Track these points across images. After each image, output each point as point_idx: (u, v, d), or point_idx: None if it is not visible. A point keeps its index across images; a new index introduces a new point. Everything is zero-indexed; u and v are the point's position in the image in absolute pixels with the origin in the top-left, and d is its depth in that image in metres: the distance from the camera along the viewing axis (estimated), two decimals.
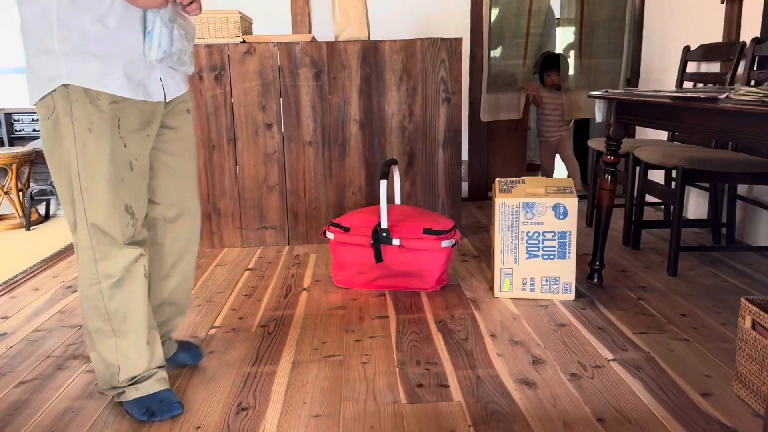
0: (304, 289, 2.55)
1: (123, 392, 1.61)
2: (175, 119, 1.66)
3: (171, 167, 1.67)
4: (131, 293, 1.55)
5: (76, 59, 1.40)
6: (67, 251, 3.18)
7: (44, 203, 4.03)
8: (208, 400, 1.69)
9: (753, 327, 1.59)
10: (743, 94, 1.56)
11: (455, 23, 4.03)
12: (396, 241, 2.44)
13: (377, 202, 3.10)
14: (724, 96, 1.66)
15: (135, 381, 1.61)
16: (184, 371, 1.86)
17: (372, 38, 3.28)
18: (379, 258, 2.45)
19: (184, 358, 1.89)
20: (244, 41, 3.05)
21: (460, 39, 3.10)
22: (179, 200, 1.71)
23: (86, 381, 1.81)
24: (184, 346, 1.91)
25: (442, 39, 3.08)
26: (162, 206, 1.69)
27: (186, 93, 1.68)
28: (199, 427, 1.56)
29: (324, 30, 3.94)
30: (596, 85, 4.09)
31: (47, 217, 4.04)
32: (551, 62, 4.15)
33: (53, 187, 3.64)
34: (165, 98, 1.57)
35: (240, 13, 3.03)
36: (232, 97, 3.06)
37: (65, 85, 1.41)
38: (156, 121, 1.57)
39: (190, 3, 1.54)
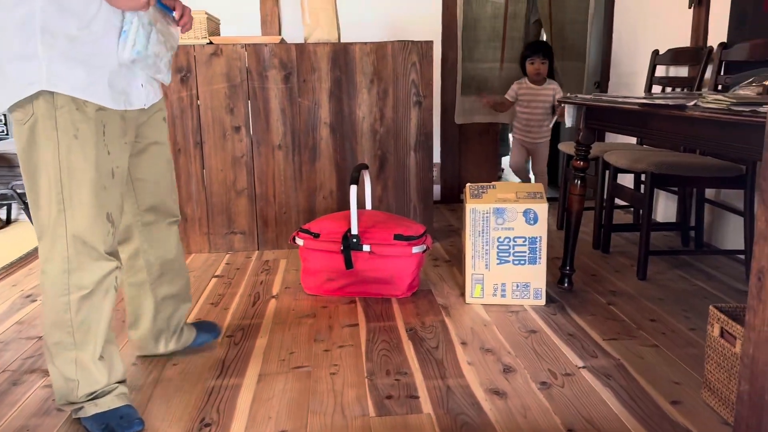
0: (273, 297, 2.50)
1: (81, 408, 1.56)
2: (155, 131, 1.69)
3: (151, 178, 1.72)
4: (99, 307, 1.52)
5: (62, 65, 1.38)
6: (29, 258, 3.08)
7: (5, 207, 3.90)
8: (170, 415, 1.63)
9: (721, 335, 1.59)
10: (711, 102, 1.56)
11: (426, 26, 4.01)
12: (366, 248, 2.40)
13: (348, 207, 3.06)
14: (692, 103, 1.66)
15: (94, 396, 1.55)
16: (146, 384, 1.80)
17: (342, 40, 3.24)
18: (349, 264, 2.41)
19: (206, 339, 2.00)
20: (210, 42, 2.99)
21: (431, 42, 3.08)
22: (160, 205, 1.76)
23: (44, 396, 1.74)
24: (201, 327, 2.01)
25: (412, 42, 3.06)
26: (145, 212, 1.75)
27: (161, 101, 1.70)
28: None
29: (294, 31, 3.88)
30: (565, 89, 4.10)
31: (8, 222, 3.92)
32: (536, 48, 3.67)
33: (14, 191, 3.53)
34: (145, 105, 1.59)
35: (206, 13, 2.97)
36: (198, 99, 3.00)
37: (50, 92, 1.38)
38: (133, 128, 1.58)
39: (182, 17, 1.60)
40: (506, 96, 3.77)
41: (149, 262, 1.80)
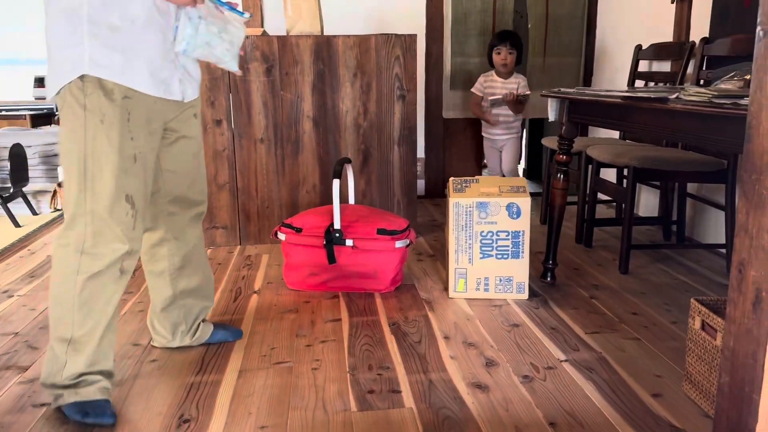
0: (255, 292, 2.48)
1: (61, 395, 1.57)
2: (185, 125, 1.73)
3: (177, 169, 1.75)
4: (105, 290, 1.56)
5: (101, 53, 1.47)
6: (5, 254, 3.03)
7: None
8: (148, 412, 1.61)
9: (702, 328, 1.59)
10: (692, 94, 1.56)
11: (410, 20, 3.99)
12: (349, 242, 2.38)
13: (331, 201, 3.04)
14: (674, 96, 1.66)
15: (77, 383, 1.56)
16: (125, 380, 1.77)
17: (325, 33, 3.21)
18: (332, 259, 2.40)
19: (225, 336, 2.00)
20: None
21: (415, 36, 3.06)
22: (183, 197, 1.79)
23: (19, 393, 1.71)
24: (220, 325, 2.02)
25: (396, 35, 3.04)
26: (170, 203, 1.77)
27: (197, 99, 1.76)
28: None
29: (276, 24, 3.85)
30: (560, 84, 4.09)
31: None
32: (503, 36, 3.46)
33: None
34: (184, 99, 1.66)
35: None
36: None
37: (81, 78, 1.47)
38: (162, 119, 1.63)
39: None
40: (473, 90, 3.63)
41: (171, 252, 1.83)
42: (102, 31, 1.46)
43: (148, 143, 1.59)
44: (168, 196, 1.77)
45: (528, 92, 3.46)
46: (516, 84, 3.47)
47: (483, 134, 3.70)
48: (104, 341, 1.58)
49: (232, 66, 1.71)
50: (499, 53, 3.43)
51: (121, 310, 2.28)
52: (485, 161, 3.87)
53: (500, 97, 3.44)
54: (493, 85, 3.52)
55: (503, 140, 3.58)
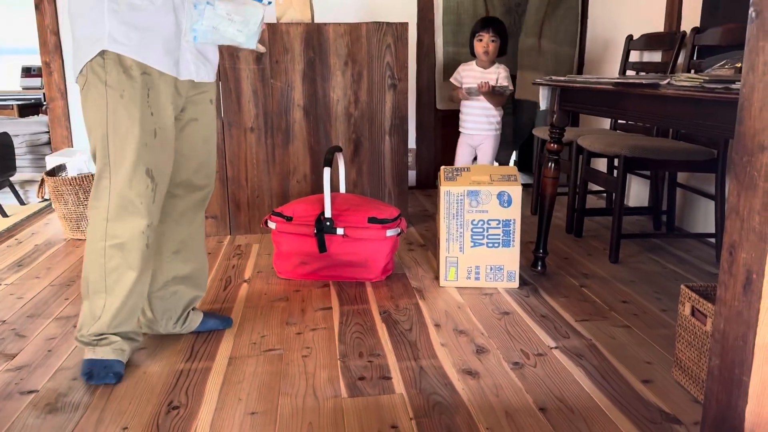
0: (245, 281, 2.46)
1: (83, 350, 1.71)
2: (197, 109, 1.76)
3: (186, 153, 1.77)
4: (131, 260, 1.64)
5: (120, 30, 1.53)
6: None
7: None
8: (137, 398, 1.60)
9: (692, 314, 1.59)
10: (684, 80, 1.56)
11: (401, 9, 3.97)
12: (340, 231, 2.37)
13: (323, 190, 3.02)
14: (665, 82, 1.66)
15: (98, 340, 1.68)
16: None
17: (316, 21, 3.19)
18: (322, 248, 2.39)
19: (215, 324, 1.99)
20: None
21: (406, 24, 3.05)
22: (187, 181, 1.81)
23: (6, 381, 1.69)
24: (210, 314, 2.02)
25: (387, 23, 3.02)
26: (176, 185, 1.79)
27: (211, 83, 1.79)
28: (126, 428, 1.47)
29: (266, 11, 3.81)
30: (557, 74, 4.07)
31: None
32: (486, 23, 3.17)
33: None
34: (195, 78, 1.69)
35: None
36: None
37: (101, 55, 1.53)
38: (180, 98, 1.68)
39: None
40: (451, 80, 3.31)
41: (170, 234, 1.84)
42: (122, 8, 1.52)
43: (168, 119, 1.64)
44: (176, 179, 1.78)
45: (507, 84, 3.15)
46: (496, 74, 3.16)
47: (460, 132, 3.33)
48: (128, 306, 1.68)
49: (250, 44, 1.73)
50: (480, 40, 3.13)
51: None
52: (455, 163, 3.35)
53: (474, 86, 3.15)
54: (471, 75, 3.20)
55: (481, 137, 3.23)
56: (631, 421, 1.48)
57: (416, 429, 1.45)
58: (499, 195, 2.28)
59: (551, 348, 1.86)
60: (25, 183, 4.00)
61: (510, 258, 2.33)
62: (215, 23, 1.64)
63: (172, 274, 1.86)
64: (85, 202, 2.94)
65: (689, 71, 2.85)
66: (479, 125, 3.22)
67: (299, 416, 1.51)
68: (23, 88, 5.23)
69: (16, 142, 3.93)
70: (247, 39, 1.71)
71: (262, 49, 1.80)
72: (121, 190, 1.60)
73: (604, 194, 3.63)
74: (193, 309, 1.95)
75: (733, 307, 1.10)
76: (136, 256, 1.65)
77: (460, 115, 3.29)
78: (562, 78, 2.32)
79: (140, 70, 1.56)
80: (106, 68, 1.54)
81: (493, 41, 3.11)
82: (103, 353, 1.68)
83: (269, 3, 1.76)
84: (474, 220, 2.30)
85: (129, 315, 1.70)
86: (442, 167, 2.39)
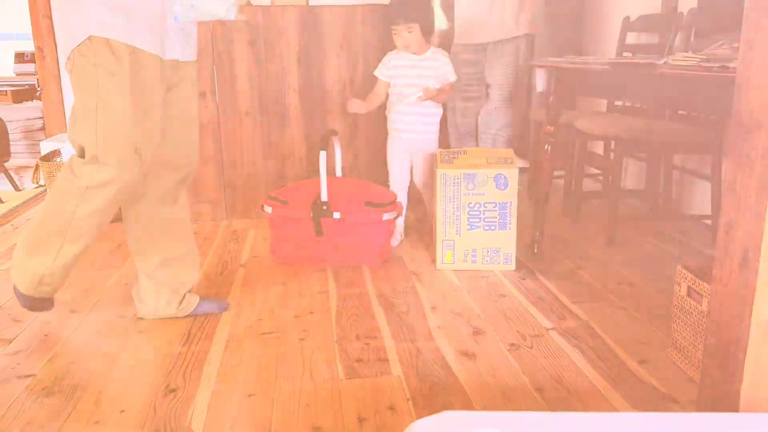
0: (241, 266, 2.46)
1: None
2: (180, 88, 1.77)
3: (168, 133, 1.77)
4: (97, 222, 1.68)
5: (107, 15, 1.56)
6: None
7: None
8: (134, 381, 1.60)
9: (688, 294, 1.60)
10: (681, 59, 1.55)
11: None
12: (336, 215, 2.37)
13: (318, 175, 3.01)
14: (662, 62, 1.65)
15: (39, 283, 1.76)
16: (110, 351, 1.75)
17: (310, 4, 3.16)
18: (319, 232, 2.38)
19: (211, 308, 1.99)
20: None
21: None
22: (168, 162, 1.81)
23: (3, 365, 1.69)
24: (206, 298, 2.02)
25: (383, 5, 2.99)
26: (159, 165, 1.80)
27: (193, 62, 1.80)
28: (123, 411, 1.47)
29: None
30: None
31: None
32: (395, 13, 2.52)
33: None
34: (179, 58, 1.72)
35: None
36: None
37: (90, 39, 1.56)
38: (166, 78, 1.70)
39: None
40: (376, 74, 2.64)
41: (156, 214, 1.86)
42: None
43: (156, 98, 1.66)
44: (158, 159, 1.78)
45: (454, 79, 2.59)
46: (434, 63, 2.55)
47: (390, 135, 2.70)
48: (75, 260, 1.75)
49: (230, 15, 1.73)
50: (396, 34, 2.53)
51: (105, 283, 2.26)
52: (390, 176, 2.73)
53: (416, 98, 2.52)
54: (402, 65, 2.57)
55: (418, 140, 2.62)
56: (628, 401, 1.49)
57: (413, 410, 1.46)
58: (496, 178, 2.27)
59: (548, 329, 1.87)
60: (20, 168, 3.99)
61: (506, 240, 2.33)
62: (193, 1, 1.67)
63: (164, 255, 1.88)
64: None
65: (687, 52, 2.84)
66: (414, 126, 2.61)
67: (296, 398, 1.51)
68: (17, 74, 5.18)
69: (10, 127, 3.91)
70: (227, 11, 1.72)
71: (243, 17, 1.79)
72: (110, 168, 1.61)
73: (600, 177, 3.62)
74: (189, 292, 1.95)
75: (730, 285, 1.10)
76: (104, 217, 1.71)
77: (388, 114, 2.67)
78: (559, 59, 2.31)
79: (128, 51, 1.58)
80: (95, 51, 1.57)
81: (410, 31, 2.48)
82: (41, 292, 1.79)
83: None
84: (471, 203, 2.30)
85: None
86: (439, 150, 2.38)
